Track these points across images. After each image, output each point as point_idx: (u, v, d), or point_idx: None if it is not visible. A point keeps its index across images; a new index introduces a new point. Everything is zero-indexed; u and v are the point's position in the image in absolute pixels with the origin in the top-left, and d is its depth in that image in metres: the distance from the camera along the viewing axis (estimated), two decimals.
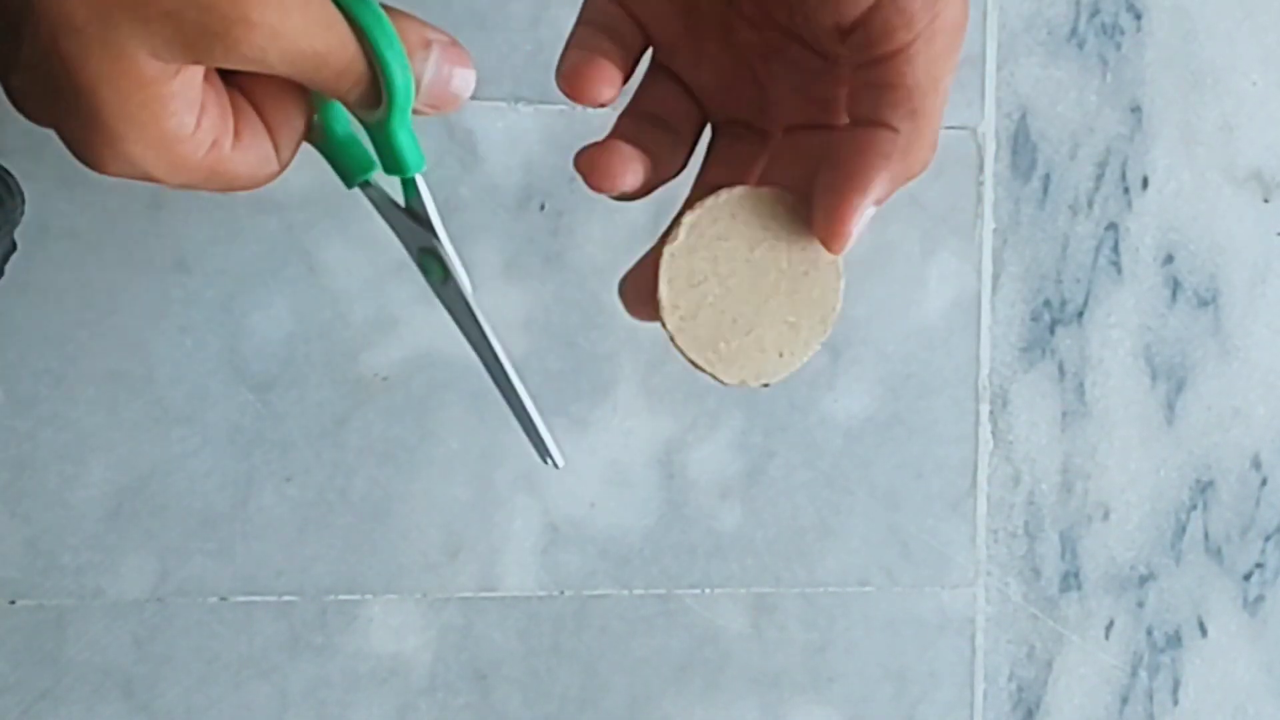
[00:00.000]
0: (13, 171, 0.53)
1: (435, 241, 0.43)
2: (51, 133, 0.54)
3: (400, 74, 0.39)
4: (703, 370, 0.42)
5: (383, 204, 0.43)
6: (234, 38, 0.36)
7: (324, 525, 0.57)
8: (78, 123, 0.38)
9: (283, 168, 0.42)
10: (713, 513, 0.60)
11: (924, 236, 0.61)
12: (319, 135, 0.43)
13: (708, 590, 0.60)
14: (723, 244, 0.42)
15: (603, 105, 0.44)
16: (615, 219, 0.58)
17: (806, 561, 0.61)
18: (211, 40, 0.36)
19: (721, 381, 0.42)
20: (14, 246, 0.52)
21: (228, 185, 0.41)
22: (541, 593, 0.59)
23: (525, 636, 0.59)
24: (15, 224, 0.54)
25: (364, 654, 0.58)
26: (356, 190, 0.43)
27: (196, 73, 0.38)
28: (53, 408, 0.56)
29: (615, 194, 0.43)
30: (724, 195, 0.42)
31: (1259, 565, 0.65)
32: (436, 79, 0.40)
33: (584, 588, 0.59)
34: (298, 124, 0.42)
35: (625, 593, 0.59)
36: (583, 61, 0.44)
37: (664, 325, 0.42)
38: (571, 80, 0.44)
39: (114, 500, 0.56)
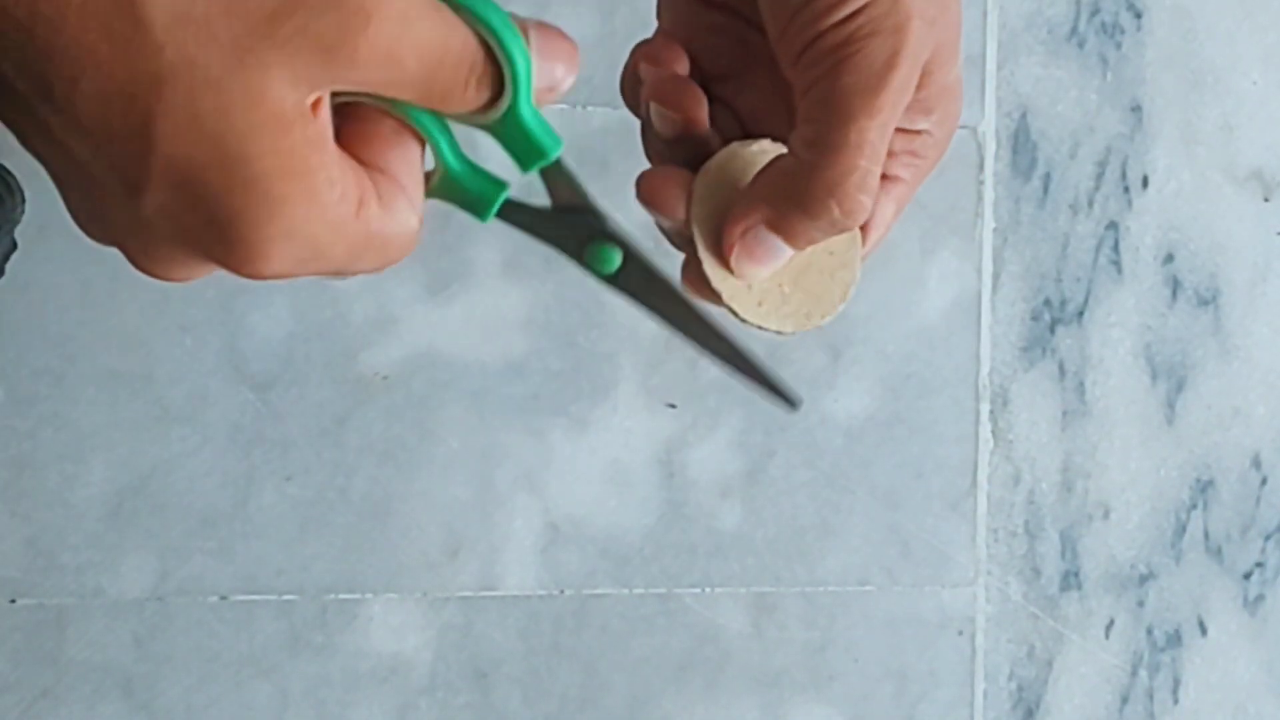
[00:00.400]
0: (13, 171, 0.53)
1: (604, 222, 0.41)
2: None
3: (519, 52, 0.38)
4: (765, 328, 0.43)
5: (529, 219, 0.42)
6: (365, 36, 0.35)
7: (324, 524, 0.57)
8: (230, 209, 0.35)
9: (421, 223, 0.41)
10: (713, 512, 0.60)
11: (924, 236, 0.61)
12: (438, 176, 0.43)
13: (708, 589, 0.60)
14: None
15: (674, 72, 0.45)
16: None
17: (807, 561, 0.61)
18: (343, 45, 0.35)
19: (783, 334, 0.43)
20: (14, 245, 0.52)
21: (382, 251, 0.39)
22: (542, 592, 0.59)
23: (525, 635, 0.59)
24: (15, 223, 0.54)
25: (364, 653, 0.58)
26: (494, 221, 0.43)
27: (328, 124, 0.36)
28: (53, 407, 0.56)
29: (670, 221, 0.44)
30: (738, 149, 0.43)
31: (1259, 564, 0.65)
32: (540, 65, 0.41)
33: (584, 587, 0.59)
34: (418, 173, 0.42)
35: (625, 592, 0.60)
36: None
37: (721, 301, 0.43)
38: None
39: (114, 499, 0.56)
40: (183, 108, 0.35)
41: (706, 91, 0.48)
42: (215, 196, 0.36)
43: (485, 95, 0.41)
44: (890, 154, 0.44)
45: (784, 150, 0.44)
